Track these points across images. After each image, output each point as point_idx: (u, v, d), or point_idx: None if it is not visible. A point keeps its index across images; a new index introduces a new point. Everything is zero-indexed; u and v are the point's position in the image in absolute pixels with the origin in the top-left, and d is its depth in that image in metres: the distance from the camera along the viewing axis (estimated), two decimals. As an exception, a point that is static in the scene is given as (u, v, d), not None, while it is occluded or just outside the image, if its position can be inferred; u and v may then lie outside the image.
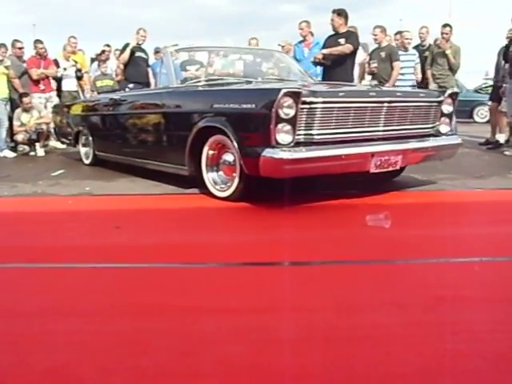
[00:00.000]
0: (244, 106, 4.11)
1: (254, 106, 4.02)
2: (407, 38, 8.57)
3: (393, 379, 1.74)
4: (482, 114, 13.97)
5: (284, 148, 3.86)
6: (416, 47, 8.85)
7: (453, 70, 8.49)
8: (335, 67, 6.66)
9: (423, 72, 8.71)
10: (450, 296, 2.41)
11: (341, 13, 6.96)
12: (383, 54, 7.89)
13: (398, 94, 4.70)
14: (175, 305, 2.34)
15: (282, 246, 3.21)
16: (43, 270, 2.92)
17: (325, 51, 6.82)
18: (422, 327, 2.09)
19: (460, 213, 4.24)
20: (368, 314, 2.24)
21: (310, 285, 2.59)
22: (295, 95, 3.84)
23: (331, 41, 7.05)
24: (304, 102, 3.90)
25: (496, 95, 8.61)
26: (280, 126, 3.85)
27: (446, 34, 8.39)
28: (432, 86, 8.38)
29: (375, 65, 7.78)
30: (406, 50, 8.52)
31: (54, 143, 9.09)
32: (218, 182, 4.57)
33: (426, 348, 1.91)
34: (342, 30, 6.95)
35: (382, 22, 8.22)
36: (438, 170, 5.70)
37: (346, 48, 6.78)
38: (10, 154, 8.19)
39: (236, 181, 4.29)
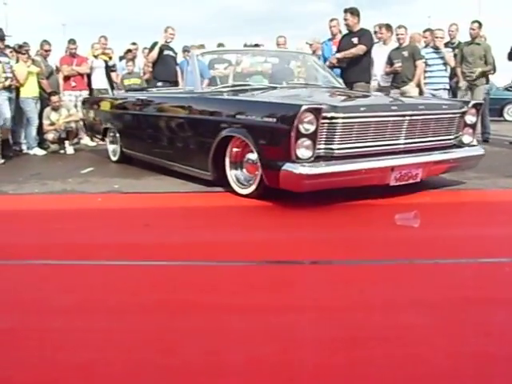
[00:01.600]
0: (265, 119, 4.16)
1: (275, 120, 4.07)
2: (437, 37, 8.44)
3: (418, 380, 1.75)
4: (512, 112, 13.77)
5: (304, 163, 3.91)
6: (445, 45, 8.71)
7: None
8: (351, 68, 6.69)
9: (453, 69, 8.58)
10: (479, 297, 2.42)
11: (353, 11, 6.97)
12: (406, 54, 7.80)
13: (421, 106, 4.65)
14: (202, 303, 2.39)
15: (306, 245, 3.26)
16: (72, 267, 3.00)
17: (338, 55, 6.85)
18: (448, 328, 2.10)
19: (490, 212, 4.21)
20: (393, 314, 2.26)
21: (334, 284, 2.63)
22: (316, 111, 3.87)
23: (345, 40, 7.08)
24: (325, 118, 3.94)
25: None
26: (300, 141, 3.90)
27: (474, 29, 8.26)
28: (462, 83, 8.27)
29: (399, 64, 7.71)
30: (436, 48, 8.39)
31: (84, 141, 9.21)
32: (241, 179, 4.64)
33: (455, 349, 1.92)
34: (356, 28, 6.95)
35: (410, 20, 8.19)
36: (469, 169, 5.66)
37: (360, 50, 6.80)
38: (40, 152, 8.31)
39: (258, 178, 4.35)
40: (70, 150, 8.42)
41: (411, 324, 2.14)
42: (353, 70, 6.73)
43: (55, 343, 2.03)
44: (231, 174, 4.67)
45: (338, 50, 7.22)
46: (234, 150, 4.63)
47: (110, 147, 7.15)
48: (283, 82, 5.64)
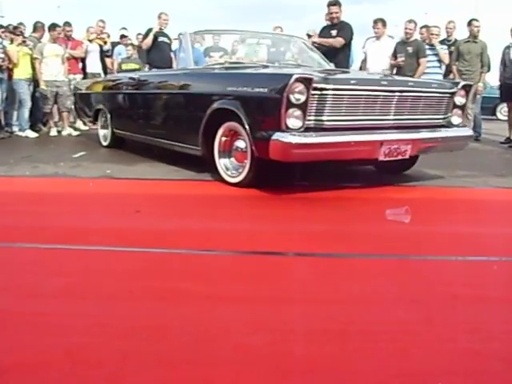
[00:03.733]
0: (256, 89, 4.18)
1: (265, 90, 4.09)
2: (433, 34, 8.47)
3: (408, 375, 1.75)
4: (505, 111, 13.74)
5: (294, 132, 3.92)
6: (442, 42, 8.75)
7: (484, 66, 8.40)
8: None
9: (448, 66, 8.62)
10: (468, 294, 2.42)
11: (339, 3, 7.04)
12: (410, 50, 7.85)
13: (410, 83, 4.73)
14: (193, 291, 2.37)
15: (296, 237, 3.24)
16: (62, 252, 2.97)
17: (315, 40, 6.84)
18: (438, 324, 2.09)
19: (480, 211, 4.22)
20: (384, 309, 2.25)
21: (326, 277, 2.62)
22: (306, 81, 3.89)
23: (325, 33, 7.16)
24: (315, 88, 3.96)
25: (507, 94, 8.54)
26: (290, 110, 3.91)
27: (476, 26, 8.29)
28: (457, 80, 8.30)
29: (402, 59, 7.73)
30: (431, 45, 8.42)
31: (77, 125, 9.20)
32: (230, 168, 4.66)
33: (442, 346, 1.91)
34: (337, 21, 7.00)
35: (407, 15, 8.20)
36: (459, 167, 5.71)
37: (337, 42, 6.85)
38: (32, 135, 8.30)
39: (247, 167, 4.37)
40: (53, 131, 8.52)
41: (399, 319, 2.14)
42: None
43: (44, 327, 2.02)
44: (220, 163, 4.69)
45: None
46: (223, 138, 4.65)
47: (101, 132, 7.19)
48: (275, 63, 5.67)
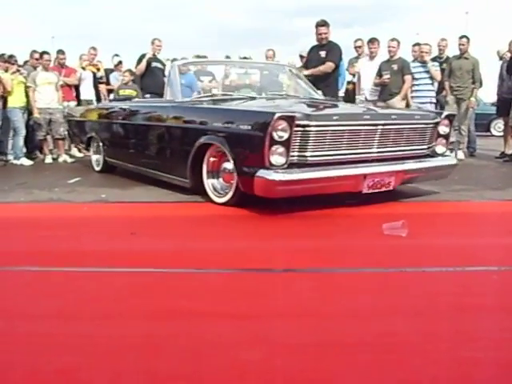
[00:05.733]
0: (241, 126, 4.24)
1: (249, 127, 4.15)
2: (424, 51, 8.53)
3: None
4: (499, 127, 13.85)
5: (278, 169, 3.97)
6: (434, 59, 8.81)
7: (475, 82, 8.45)
8: (318, 84, 6.60)
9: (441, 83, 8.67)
10: (467, 304, 2.43)
11: (328, 24, 7.04)
12: (395, 67, 7.91)
13: (393, 116, 4.75)
14: (187, 309, 2.39)
15: (289, 253, 3.27)
16: (57, 274, 2.98)
17: (306, 72, 6.86)
18: (436, 335, 2.10)
19: (477, 223, 4.27)
20: (382, 321, 2.26)
21: (320, 292, 2.63)
22: (289, 119, 3.94)
23: (313, 53, 7.16)
24: (298, 125, 4.01)
25: (503, 109, 8.59)
26: (274, 148, 3.97)
27: (463, 44, 8.36)
28: (449, 97, 8.35)
29: (388, 76, 7.78)
30: (423, 62, 8.47)
31: (72, 152, 9.20)
32: (218, 188, 4.71)
33: (441, 356, 1.91)
34: (325, 41, 7.02)
35: (399, 36, 8.23)
36: (455, 182, 5.72)
37: (328, 67, 6.88)
38: (27, 162, 8.30)
39: (234, 187, 4.41)
40: (48, 159, 8.53)
41: (397, 331, 2.14)
42: (319, 86, 6.57)
43: (36, 347, 2.03)
44: (208, 183, 4.74)
45: (306, 62, 7.32)
46: (211, 159, 4.70)
47: (94, 157, 7.22)
48: (262, 93, 5.74)
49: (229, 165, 4.50)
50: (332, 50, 6.99)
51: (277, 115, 3.88)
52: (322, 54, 6.95)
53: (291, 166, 4.05)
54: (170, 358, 1.92)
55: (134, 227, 3.95)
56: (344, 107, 5.54)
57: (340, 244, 3.54)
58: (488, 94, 12.00)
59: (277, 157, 3.98)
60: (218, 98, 5.43)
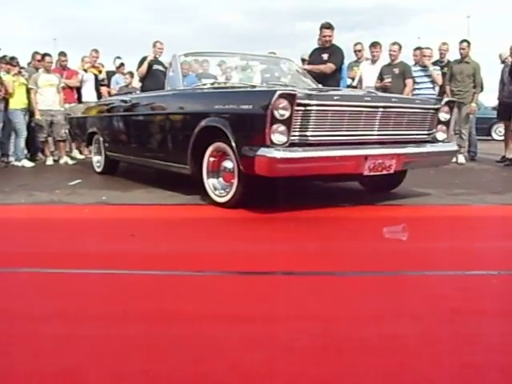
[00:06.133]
0: (242, 106, 4.25)
1: (251, 106, 4.16)
2: (426, 55, 8.55)
3: None
4: (499, 131, 13.89)
5: (279, 148, 3.96)
6: (435, 63, 8.84)
7: (476, 86, 8.46)
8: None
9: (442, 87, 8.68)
10: (466, 308, 2.40)
11: (332, 27, 7.06)
12: (397, 71, 7.94)
13: (394, 99, 4.78)
14: (187, 312, 2.36)
15: (291, 256, 3.24)
16: (57, 275, 2.95)
17: (306, 67, 6.88)
18: (436, 339, 2.08)
19: (478, 227, 4.24)
20: (382, 324, 2.23)
21: (321, 295, 2.60)
22: (290, 97, 3.94)
23: (315, 55, 7.19)
24: (299, 104, 4.01)
25: (504, 113, 8.60)
26: (275, 126, 3.96)
27: (464, 49, 8.38)
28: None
29: (389, 80, 7.80)
30: (424, 66, 8.49)
31: (73, 154, 9.22)
32: (218, 187, 4.70)
33: (441, 360, 1.89)
34: (329, 44, 7.04)
35: (400, 41, 8.25)
36: (456, 186, 5.74)
37: (328, 68, 6.86)
38: (28, 164, 8.32)
39: (234, 187, 4.41)
40: (49, 161, 8.57)
41: (397, 334, 2.11)
42: None
43: (39, 349, 2.01)
44: (208, 183, 4.74)
45: (308, 64, 7.31)
46: (211, 159, 4.71)
47: (95, 158, 7.25)
48: (264, 83, 5.76)
49: (229, 164, 4.51)
50: (334, 53, 7.01)
51: (277, 93, 3.88)
52: (325, 56, 6.96)
53: (292, 145, 4.04)
54: (170, 361, 1.89)
55: (134, 229, 3.93)
56: (344, 90, 5.59)
57: (341, 247, 3.51)
58: (489, 98, 12.03)
59: (278, 135, 3.97)
60: (218, 85, 5.47)
